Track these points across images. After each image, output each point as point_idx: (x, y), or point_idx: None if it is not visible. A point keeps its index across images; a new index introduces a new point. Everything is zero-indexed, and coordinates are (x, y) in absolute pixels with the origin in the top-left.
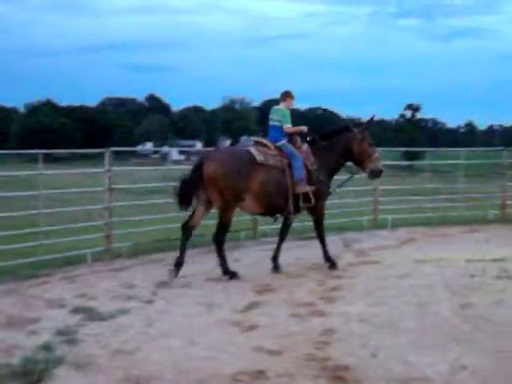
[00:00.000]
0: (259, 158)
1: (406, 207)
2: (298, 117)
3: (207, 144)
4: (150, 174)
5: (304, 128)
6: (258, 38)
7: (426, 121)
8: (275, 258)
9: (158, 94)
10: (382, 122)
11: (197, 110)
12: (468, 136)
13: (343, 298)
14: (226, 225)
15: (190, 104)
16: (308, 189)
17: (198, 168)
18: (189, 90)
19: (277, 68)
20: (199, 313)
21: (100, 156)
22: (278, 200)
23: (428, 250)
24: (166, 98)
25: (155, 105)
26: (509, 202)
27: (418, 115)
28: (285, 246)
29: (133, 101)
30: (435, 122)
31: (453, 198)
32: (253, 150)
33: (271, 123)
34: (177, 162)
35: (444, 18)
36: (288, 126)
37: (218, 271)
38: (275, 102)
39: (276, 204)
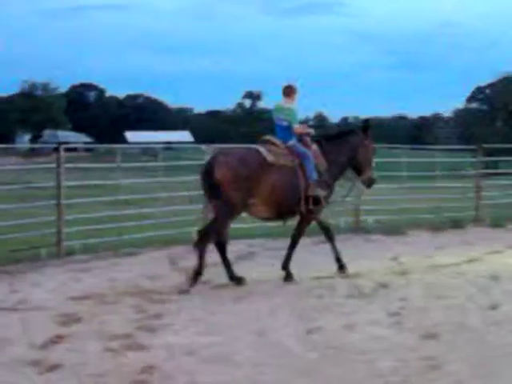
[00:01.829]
0: (269, 157)
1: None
2: (116, 105)
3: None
4: None
5: (312, 130)
6: (67, 8)
7: (268, 111)
8: (286, 267)
9: None
10: (215, 114)
11: None
12: (318, 129)
13: (167, 327)
14: (224, 226)
15: None
16: (321, 193)
17: (208, 173)
18: None
19: (90, 45)
20: None
21: None
22: (289, 202)
23: (270, 267)
24: None
25: None
26: (365, 208)
27: (260, 105)
28: (97, 265)
29: None
30: None
31: None
32: (262, 149)
33: (278, 123)
34: None
35: None
36: (297, 127)
37: (13, 298)
38: (87, 87)
39: (287, 207)
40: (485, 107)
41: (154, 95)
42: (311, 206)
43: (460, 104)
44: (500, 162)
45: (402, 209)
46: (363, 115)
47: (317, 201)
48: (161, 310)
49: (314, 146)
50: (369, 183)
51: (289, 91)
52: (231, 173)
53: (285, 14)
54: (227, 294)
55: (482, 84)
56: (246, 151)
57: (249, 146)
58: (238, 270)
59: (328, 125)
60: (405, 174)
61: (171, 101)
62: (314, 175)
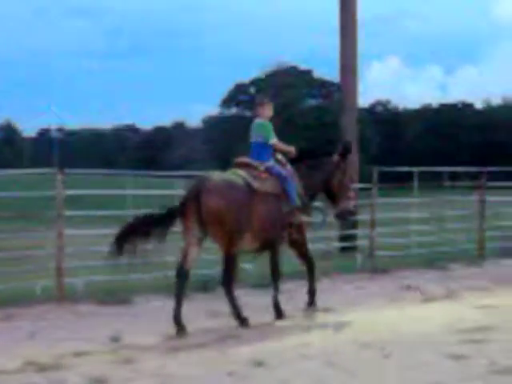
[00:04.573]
0: (255, 184)
1: None
2: None
3: None
4: None
5: (293, 149)
6: None
7: None
8: (277, 305)
9: None
10: None
11: None
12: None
13: None
14: (234, 262)
15: None
16: (303, 219)
17: (193, 199)
18: None
19: None
20: None
21: None
22: (275, 232)
23: None
24: None
25: None
26: (70, 265)
27: None
28: None
29: None
30: None
31: None
32: (244, 174)
33: (254, 140)
34: None
35: None
36: (276, 142)
37: None
38: None
39: (272, 237)
40: (249, 113)
41: None
42: (296, 235)
43: (214, 109)
44: None
45: (127, 265)
46: (70, 125)
47: (301, 229)
48: None
49: (289, 167)
50: (341, 216)
51: (260, 106)
52: (224, 201)
53: None
54: None
55: (245, 80)
56: (232, 178)
57: (225, 172)
58: None
59: (17, 139)
60: (131, 213)
61: None
62: (297, 200)
